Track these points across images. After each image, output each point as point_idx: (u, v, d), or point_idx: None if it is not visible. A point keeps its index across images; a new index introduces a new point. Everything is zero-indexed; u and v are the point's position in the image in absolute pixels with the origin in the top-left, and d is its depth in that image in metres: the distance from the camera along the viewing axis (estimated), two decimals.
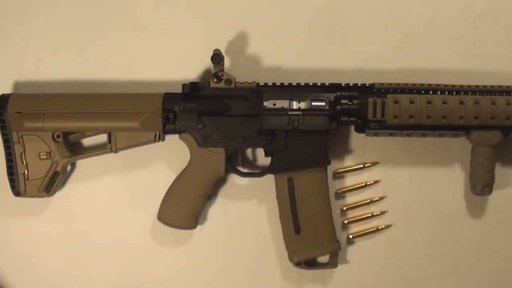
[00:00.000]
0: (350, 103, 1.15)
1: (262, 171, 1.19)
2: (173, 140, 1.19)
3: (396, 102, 1.14)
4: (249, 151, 1.24)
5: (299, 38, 1.25)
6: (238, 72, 1.20)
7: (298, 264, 1.18)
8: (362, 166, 1.24)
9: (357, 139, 1.24)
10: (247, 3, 1.26)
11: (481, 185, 1.17)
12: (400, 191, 1.24)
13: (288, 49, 1.25)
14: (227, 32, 1.25)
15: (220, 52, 1.15)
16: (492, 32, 1.25)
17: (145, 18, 1.27)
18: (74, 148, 1.23)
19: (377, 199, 1.24)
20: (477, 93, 1.15)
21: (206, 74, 1.23)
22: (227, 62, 1.23)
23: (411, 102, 1.14)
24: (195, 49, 1.24)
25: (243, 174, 1.20)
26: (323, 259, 1.20)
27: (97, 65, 1.26)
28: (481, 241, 1.24)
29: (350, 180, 1.25)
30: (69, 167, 1.25)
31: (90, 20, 1.27)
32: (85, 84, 1.26)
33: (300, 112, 1.15)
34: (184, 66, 1.25)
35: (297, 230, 1.17)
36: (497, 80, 1.20)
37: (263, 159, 1.22)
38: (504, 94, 1.15)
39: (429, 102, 1.14)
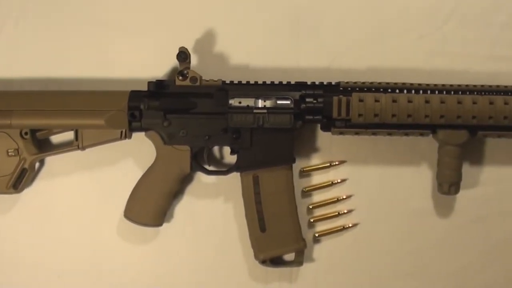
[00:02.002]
0: (315, 101, 1.15)
1: (228, 169, 1.19)
2: (140, 137, 1.20)
3: (361, 100, 1.14)
4: (216, 149, 1.25)
5: (266, 37, 1.25)
6: (206, 70, 1.20)
7: (263, 262, 1.18)
8: (329, 164, 1.24)
9: (324, 137, 1.24)
10: (214, 2, 1.26)
11: (448, 184, 1.17)
12: (367, 189, 1.24)
13: (255, 48, 1.25)
14: (195, 31, 1.25)
15: (186, 50, 1.15)
16: (460, 31, 1.25)
17: (113, 16, 1.27)
18: (42, 145, 1.23)
19: (344, 197, 1.24)
20: (444, 92, 1.15)
21: (174, 72, 1.23)
22: (195, 61, 1.23)
23: (376, 100, 1.14)
24: (163, 47, 1.23)
25: (209, 172, 1.20)
26: (289, 257, 1.21)
27: (65, 63, 1.26)
28: (448, 240, 1.24)
29: (317, 179, 1.25)
30: (37, 164, 1.25)
31: (58, 19, 1.27)
32: (53, 82, 1.26)
33: (265, 111, 1.15)
34: (153, 64, 1.25)
35: (263, 228, 1.17)
36: (465, 79, 1.20)
37: (230, 157, 1.22)
38: (470, 93, 1.15)
39: (394, 101, 1.14)
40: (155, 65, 1.25)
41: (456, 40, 1.25)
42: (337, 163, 1.24)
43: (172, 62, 1.23)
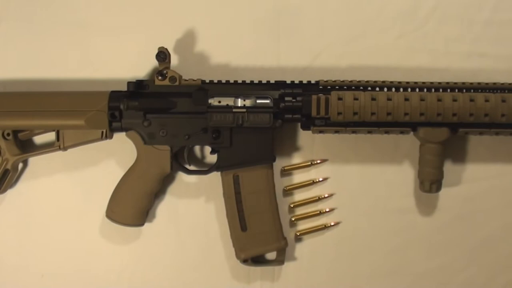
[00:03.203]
0: (293, 100, 1.15)
1: (208, 169, 1.19)
2: (122, 138, 1.20)
3: (339, 99, 1.14)
4: (197, 149, 1.25)
5: (246, 36, 1.25)
6: (187, 70, 1.21)
7: (244, 261, 1.18)
8: (310, 163, 1.24)
9: (305, 136, 1.24)
10: (194, 2, 1.26)
11: (429, 182, 1.17)
12: (349, 188, 1.24)
13: (236, 47, 1.25)
14: (175, 31, 1.25)
15: (165, 49, 1.16)
16: (441, 28, 1.24)
17: (94, 17, 1.27)
18: (24, 146, 1.24)
19: (326, 196, 1.24)
20: (424, 90, 1.15)
21: (155, 72, 1.23)
22: (175, 60, 1.24)
23: (355, 98, 1.14)
24: (144, 47, 1.23)
25: (190, 172, 1.20)
26: (270, 256, 1.21)
27: (46, 64, 1.27)
28: (430, 238, 1.24)
29: (298, 177, 1.25)
30: (21, 165, 1.26)
31: (39, 20, 1.27)
32: (35, 83, 1.26)
33: (244, 110, 1.15)
34: (134, 64, 1.25)
35: (243, 227, 1.17)
36: (446, 76, 1.20)
37: (210, 156, 1.22)
38: (451, 90, 1.15)
39: (373, 99, 1.13)
40: (137, 65, 1.25)
41: (437, 38, 1.25)
42: (318, 161, 1.24)
43: (153, 62, 1.22)
